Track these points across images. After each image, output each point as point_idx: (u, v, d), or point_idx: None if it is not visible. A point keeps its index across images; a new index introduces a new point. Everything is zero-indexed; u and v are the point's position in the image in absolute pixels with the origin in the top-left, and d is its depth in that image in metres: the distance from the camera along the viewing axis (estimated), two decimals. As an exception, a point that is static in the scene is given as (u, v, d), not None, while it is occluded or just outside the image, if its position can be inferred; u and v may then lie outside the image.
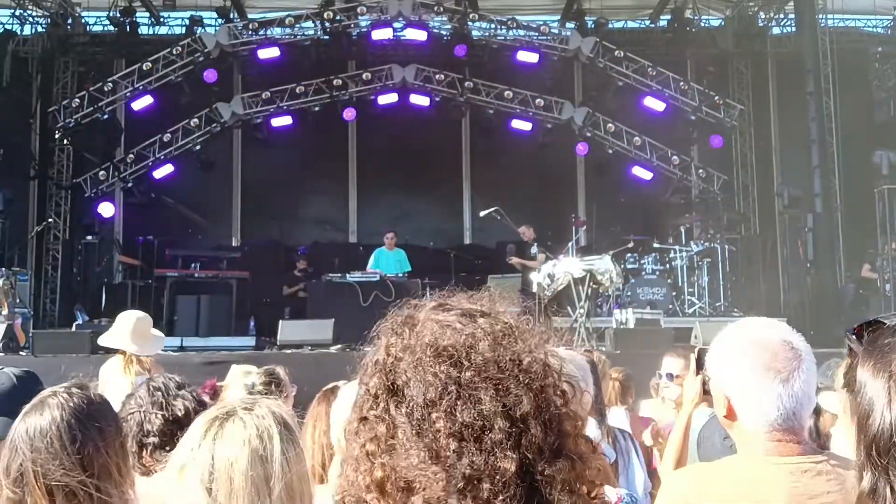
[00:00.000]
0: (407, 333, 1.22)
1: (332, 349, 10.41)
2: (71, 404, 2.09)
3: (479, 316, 1.23)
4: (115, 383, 5.35)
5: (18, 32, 17.04)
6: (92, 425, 2.07)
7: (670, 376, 4.67)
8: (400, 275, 13.55)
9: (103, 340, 5.75)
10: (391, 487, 1.15)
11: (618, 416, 4.44)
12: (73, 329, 11.76)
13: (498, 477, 1.12)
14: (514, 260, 13.63)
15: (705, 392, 3.13)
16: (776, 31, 18.03)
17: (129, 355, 5.48)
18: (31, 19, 17.18)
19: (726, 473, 2.06)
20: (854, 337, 1.42)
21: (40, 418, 2.06)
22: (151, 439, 2.77)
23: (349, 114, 16.36)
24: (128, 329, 5.52)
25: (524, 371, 1.18)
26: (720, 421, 2.20)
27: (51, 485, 1.99)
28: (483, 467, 1.12)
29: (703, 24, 17.91)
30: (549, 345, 1.25)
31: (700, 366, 3.12)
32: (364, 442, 1.19)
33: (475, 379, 1.16)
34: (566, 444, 1.18)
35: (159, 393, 2.83)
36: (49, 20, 17.19)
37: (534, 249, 12.98)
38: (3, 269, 13.16)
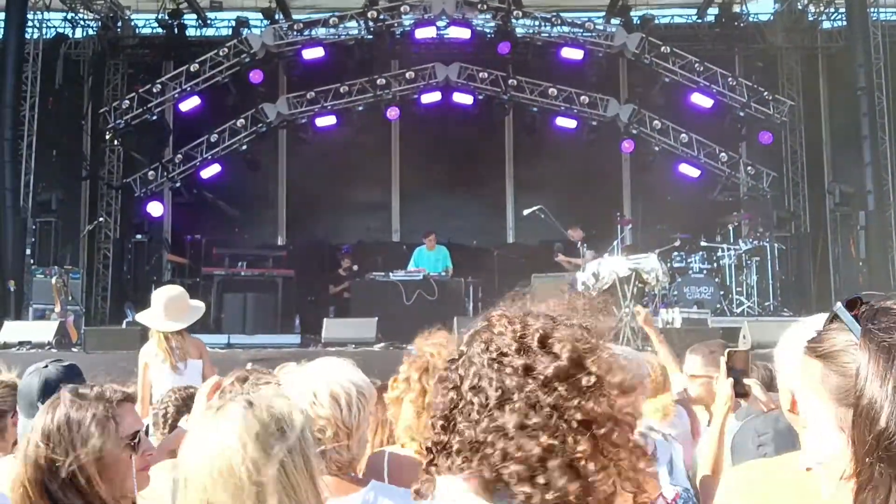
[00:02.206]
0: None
1: (376, 347, 10.49)
2: (81, 401, 2.16)
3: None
4: (152, 359, 5.68)
5: (70, 36, 17.42)
6: (101, 423, 2.13)
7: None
8: (442, 273, 13.56)
9: (139, 316, 6.02)
10: None
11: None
12: (124, 326, 12.01)
13: None
14: (561, 258, 13.51)
15: (737, 395, 3.08)
16: (826, 25, 17.67)
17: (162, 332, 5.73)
18: (82, 23, 17.56)
19: (790, 467, 2.04)
20: (850, 314, 1.36)
21: (53, 413, 2.14)
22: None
23: (392, 113, 16.40)
24: (159, 309, 5.74)
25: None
26: (784, 414, 2.16)
27: (56, 476, 2.06)
28: None
29: (751, 19, 17.66)
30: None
31: (730, 368, 3.07)
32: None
33: None
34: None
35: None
36: (99, 24, 17.57)
37: (584, 249, 12.78)
38: (57, 267, 13.54)
